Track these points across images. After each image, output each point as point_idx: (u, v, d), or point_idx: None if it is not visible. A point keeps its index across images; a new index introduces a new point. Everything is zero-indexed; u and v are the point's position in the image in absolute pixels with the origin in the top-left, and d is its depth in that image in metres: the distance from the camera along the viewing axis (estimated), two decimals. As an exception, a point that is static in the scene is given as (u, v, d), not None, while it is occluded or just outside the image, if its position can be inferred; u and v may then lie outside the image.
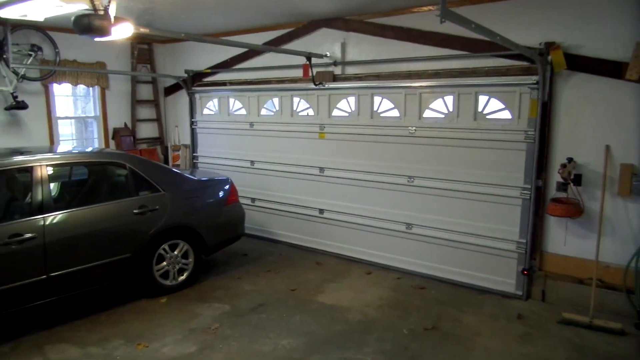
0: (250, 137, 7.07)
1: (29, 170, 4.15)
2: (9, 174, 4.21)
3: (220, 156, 7.47)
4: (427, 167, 5.46)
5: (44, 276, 4.05)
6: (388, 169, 5.75)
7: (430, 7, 5.26)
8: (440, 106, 5.35)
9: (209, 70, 7.43)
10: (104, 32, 3.61)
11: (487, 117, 5.06)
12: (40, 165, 4.19)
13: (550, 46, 4.58)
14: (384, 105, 5.76)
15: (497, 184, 5.03)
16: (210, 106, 7.64)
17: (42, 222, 4.05)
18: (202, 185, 5.38)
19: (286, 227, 6.80)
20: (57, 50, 6.50)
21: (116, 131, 7.56)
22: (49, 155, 4.44)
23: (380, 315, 4.55)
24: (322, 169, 6.34)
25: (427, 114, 5.43)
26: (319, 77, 6.11)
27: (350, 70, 6.03)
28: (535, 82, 4.66)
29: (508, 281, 5.09)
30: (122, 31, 3.74)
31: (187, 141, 7.98)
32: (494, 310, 4.70)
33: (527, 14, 4.72)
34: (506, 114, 4.95)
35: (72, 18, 3.60)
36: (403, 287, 5.29)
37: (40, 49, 6.33)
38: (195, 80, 7.70)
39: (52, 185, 4.25)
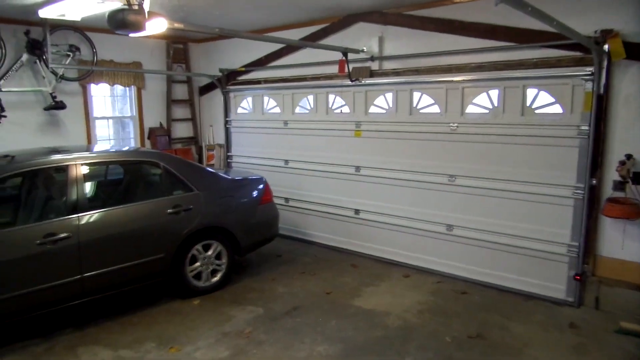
0: (285, 135, 6.94)
1: (65, 169, 4.14)
2: (46, 172, 4.21)
3: (255, 155, 7.37)
4: (470, 165, 5.17)
5: (78, 276, 4.02)
6: (428, 168, 5.49)
7: (473, -3, 4.98)
8: (485, 101, 5.05)
9: (243, 69, 7.35)
10: (138, 27, 3.54)
11: (536, 111, 4.74)
12: (76, 164, 4.18)
13: (607, 34, 4.23)
14: (424, 101, 5.51)
15: (546, 183, 4.70)
16: (245, 105, 7.56)
17: (76, 222, 4.02)
18: (236, 185, 5.28)
19: (321, 227, 6.63)
20: (94, 50, 6.56)
21: (152, 131, 7.59)
22: (84, 154, 4.42)
23: (421, 322, 4.32)
24: (358, 168, 6.14)
25: (470, 109, 5.15)
26: (356, 73, 5.91)
27: (388, 65, 5.81)
28: (590, 73, 4.32)
29: (558, 287, 4.76)
30: (156, 26, 3.65)
31: (222, 140, 7.94)
32: (544, 318, 4.39)
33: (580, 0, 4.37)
34: (557, 108, 4.62)
35: (107, 14, 3.55)
36: (444, 291, 5.03)
37: (78, 49, 6.40)
38: (229, 79, 7.64)
39: (87, 184, 4.23)
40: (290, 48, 6.79)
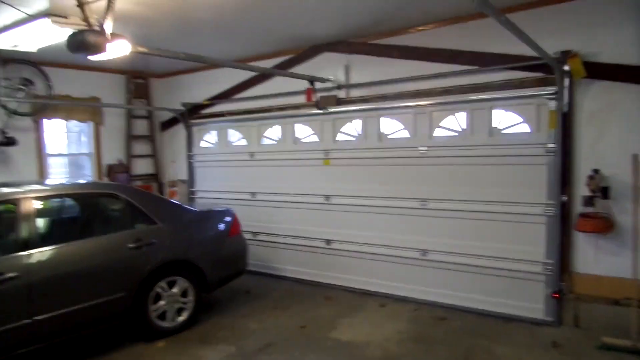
0: (251, 167, 6.77)
1: (14, 203, 3.79)
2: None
3: (220, 189, 7.13)
4: (441, 188, 5.15)
5: (29, 320, 3.62)
6: (399, 193, 5.43)
7: (434, 25, 5.10)
8: (453, 124, 5.09)
9: (207, 102, 7.22)
10: (98, 48, 3.39)
11: (503, 132, 4.80)
12: (26, 197, 3.84)
13: (566, 55, 4.37)
14: (392, 127, 5.51)
15: (517, 202, 4.71)
16: (208, 138, 7.38)
17: (26, 260, 3.66)
18: (202, 217, 5.03)
19: (291, 261, 6.39)
20: (49, 83, 6.28)
21: (110, 168, 7.25)
22: (37, 186, 4.10)
23: (403, 351, 4.11)
24: (327, 197, 6.01)
25: (439, 132, 5.17)
26: (323, 102, 5.88)
27: (355, 92, 5.81)
28: (553, 92, 4.42)
29: (536, 307, 4.68)
30: (119, 49, 3.51)
31: (184, 176, 7.67)
32: (526, 340, 4.28)
33: (540, 23, 4.50)
34: (524, 128, 4.70)
35: (67, 37, 3.37)
36: (422, 318, 4.86)
37: (31, 82, 6.11)
38: (192, 114, 7.47)
39: (39, 219, 3.88)
40: (255, 80, 6.75)
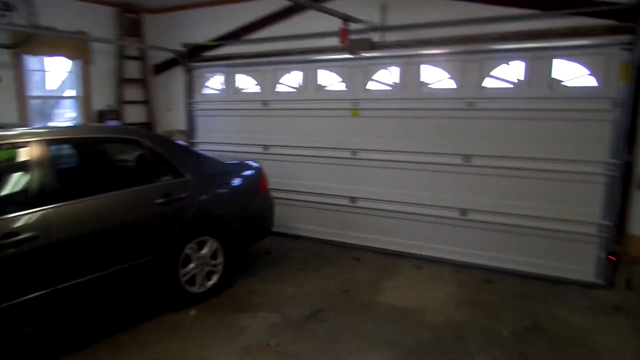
0: (264, 117, 6.15)
1: (24, 147, 3.10)
2: (7, 150, 3.15)
3: (226, 141, 6.47)
4: (489, 144, 4.76)
5: (49, 289, 3.03)
6: (439, 148, 5.01)
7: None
8: (507, 74, 4.66)
9: (213, 43, 6.45)
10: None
11: (565, 84, 4.41)
12: (39, 140, 3.15)
13: (645, 0, 3.97)
14: (435, 76, 5.02)
15: (575, 160, 4.40)
16: (213, 84, 6.65)
17: (44, 216, 3.02)
18: (230, 170, 4.45)
19: (309, 219, 5.93)
20: (32, 10, 5.33)
21: (101, 114, 6.45)
22: (49, 129, 3.40)
23: (465, 317, 3.81)
24: (354, 151, 5.52)
25: (490, 83, 4.73)
26: (354, 46, 5.28)
27: (392, 37, 5.24)
28: (628, 42, 4.04)
29: (585, 269, 4.49)
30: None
31: (182, 126, 6.95)
32: (586, 303, 4.07)
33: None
34: (589, 80, 4.32)
35: None
36: (467, 281, 4.58)
37: (13, 7, 5.16)
38: (194, 56, 6.69)
39: (54, 168, 3.20)
40: (269, 19, 6.04)
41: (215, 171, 4.26)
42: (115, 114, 6.59)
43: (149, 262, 3.61)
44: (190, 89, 6.78)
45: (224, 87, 6.51)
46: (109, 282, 3.38)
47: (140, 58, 6.98)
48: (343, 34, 5.12)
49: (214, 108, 6.62)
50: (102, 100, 6.54)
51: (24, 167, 3.09)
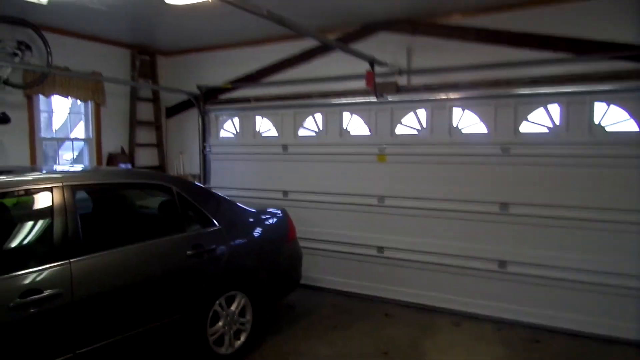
0: (284, 162, 5.91)
1: (48, 193, 2.79)
2: (19, 198, 2.84)
3: (242, 186, 6.19)
4: (526, 191, 4.55)
5: (70, 355, 2.66)
6: (473, 196, 4.78)
7: (520, 7, 4.49)
8: (543, 118, 4.51)
9: (228, 86, 6.29)
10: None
11: (606, 129, 4.26)
12: (62, 185, 2.85)
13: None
14: (466, 120, 4.86)
15: (619, 209, 4.18)
16: (229, 127, 6.45)
17: (68, 271, 2.69)
18: (260, 217, 4.15)
19: (332, 271, 5.59)
20: (49, 50, 5.13)
21: (112, 157, 6.17)
22: (73, 172, 3.12)
23: (522, 383, 3.45)
24: (381, 198, 5.27)
25: (525, 127, 4.57)
26: (380, 89, 5.15)
27: (418, 80, 5.11)
28: (670, 86, 3.93)
29: (636, 326, 4.16)
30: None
31: (196, 170, 6.69)
32: (648, 367, 3.74)
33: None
34: (631, 125, 4.17)
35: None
36: (513, 341, 4.23)
37: (29, 48, 4.97)
38: (208, 99, 6.52)
39: (77, 216, 2.88)
40: (288, 62, 5.91)
41: (243, 219, 3.96)
42: (127, 157, 6.31)
43: (177, 321, 3.25)
44: (205, 132, 6.57)
45: (240, 130, 6.30)
46: (134, 345, 3.01)
47: (153, 100, 6.79)
48: (369, 77, 4.99)
49: (229, 152, 6.38)
50: (113, 142, 6.28)
51: (44, 215, 2.78)
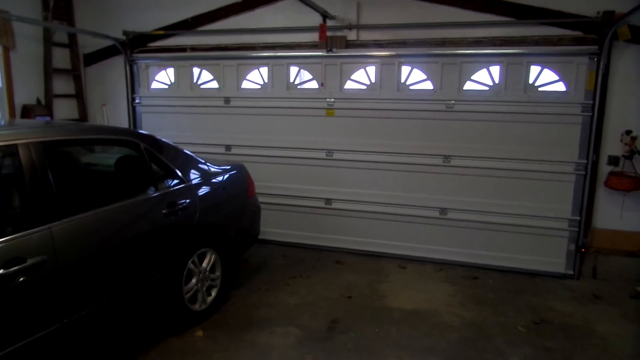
0: (226, 115, 5.72)
1: (13, 151, 2.48)
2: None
3: (179, 141, 5.77)
4: (467, 145, 4.94)
5: (57, 325, 2.48)
6: (418, 149, 5.08)
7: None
8: (485, 78, 4.86)
9: (161, 32, 5.83)
10: None
11: (539, 89, 4.73)
12: (31, 142, 2.55)
13: (608, 16, 4.40)
14: (414, 77, 5.07)
15: (548, 160, 4.74)
16: (162, 78, 6.03)
17: (49, 237, 2.46)
18: (223, 173, 4.04)
19: (279, 223, 5.65)
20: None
21: (27, 108, 5.48)
22: (38, 129, 2.77)
23: (475, 315, 3.90)
24: (330, 152, 5.38)
25: (469, 85, 4.90)
26: (329, 43, 5.15)
27: (368, 35, 5.19)
28: (594, 52, 4.45)
29: (557, 261, 4.86)
30: None
31: (123, 123, 6.21)
32: (567, 294, 4.41)
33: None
34: (560, 86, 4.68)
35: None
36: (455, 279, 4.71)
37: None
38: (136, 46, 6.00)
39: (51, 176, 2.59)
40: (228, 10, 5.62)
41: (210, 175, 3.84)
42: (44, 109, 5.66)
43: (157, 281, 3.15)
44: (133, 82, 6.08)
45: (175, 82, 5.93)
46: (119, 309, 2.88)
47: (70, 46, 6.08)
48: (322, 30, 4.97)
49: (163, 105, 6.00)
50: (27, 92, 5.57)
51: (16, 176, 2.48)
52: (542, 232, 4.86)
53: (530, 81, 4.73)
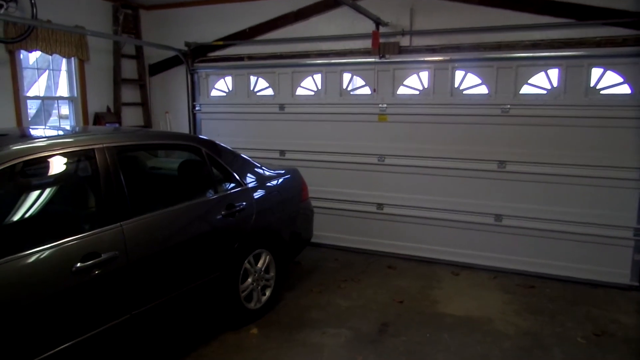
0: (280, 122, 5.90)
1: (91, 155, 2.72)
2: (66, 160, 2.74)
3: (236, 146, 5.98)
4: (523, 150, 4.82)
5: (127, 316, 2.69)
6: (472, 154, 5.02)
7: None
8: (542, 81, 4.74)
9: (220, 43, 6.11)
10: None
11: (602, 92, 4.55)
12: (105, 146, 2.78)
13: (678, 13, 4.19)
14: (468, 81, 5.02)
15: (610, 166, 4.54)
16: (221, 86, 6.30)
17: (121, 234, 2.67)
18: (278, 177, 4.19)
19: (332, 227, 5.73)
20: (33, 1, 4.77)
21: (99, 116, 5.91)
22: (112, 134, 3.02)
23: (531, 324, 3.81)
24: (382, 157, 5.42)
25: (525, 89, 4.80)
26: (382, 49, 5.20)
27: (420, 41, 5.20)
28: (663, 52, 4.24)
29: (621, 271, 4.63)
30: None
31: (184, 130, 6.54)
32: (632, 306, 4.20)
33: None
34: (625, 89, 4.48)
35: None
36: (510, 287, 4.60)
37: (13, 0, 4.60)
38: (198, 56, 6.31)
39: (123, 177, 2.81)
40: (283, 20, 5.80)
41: (266, 179, 4.00)
42: (114, 116, 6.07)
43: (217, 278, 3.32)
44: (194, 91, 6.40)
45: (233, 89, 6.18)
46: (181, 304, 3.07)
47: (137, 57, 6.49)
48: (375, 37, 5.03)
49: (222, 111, 6.27)
50: (98, 101, 6.00)
51: (92, 177, 2.71)
52: (604, 240, 4.66)
53: (592, 84, 4.57)
